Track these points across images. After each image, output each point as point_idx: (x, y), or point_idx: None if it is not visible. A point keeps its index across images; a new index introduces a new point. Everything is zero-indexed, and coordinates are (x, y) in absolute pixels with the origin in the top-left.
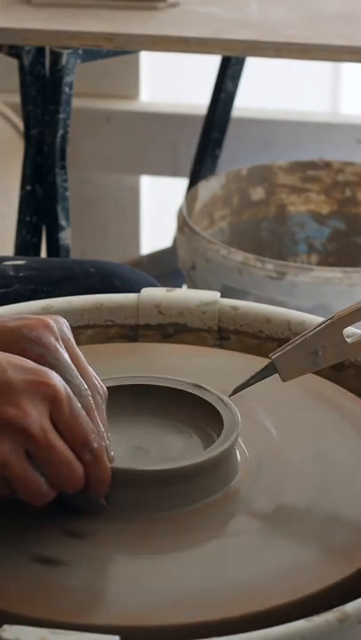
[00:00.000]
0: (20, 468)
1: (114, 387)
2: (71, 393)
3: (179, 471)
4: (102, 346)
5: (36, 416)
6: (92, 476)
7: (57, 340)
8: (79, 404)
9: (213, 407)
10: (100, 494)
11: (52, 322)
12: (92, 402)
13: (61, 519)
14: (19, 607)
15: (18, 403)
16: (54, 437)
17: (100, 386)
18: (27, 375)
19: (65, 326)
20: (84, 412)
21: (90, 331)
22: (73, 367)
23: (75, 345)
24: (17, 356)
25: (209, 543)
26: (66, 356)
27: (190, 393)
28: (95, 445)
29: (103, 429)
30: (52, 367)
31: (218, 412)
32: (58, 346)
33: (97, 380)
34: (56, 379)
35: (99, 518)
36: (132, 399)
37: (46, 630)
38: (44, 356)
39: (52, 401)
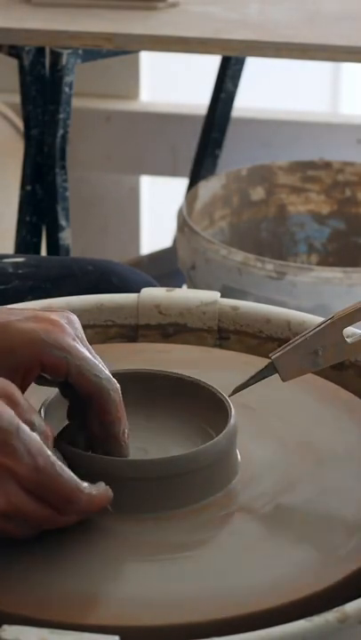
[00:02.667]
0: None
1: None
2: (31, 461)
3: (173, 461)
4: (102, 346)
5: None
6: (91, 511)
7: (74, 340)
8: (50, 469)
9: (213, 406)
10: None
11: (64, 323)
12: (120, 397)
13: None
14: (19, 607)
15: None
16: (28, 507)
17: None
18: None
19: (77, 324)
20: (55, 473)
21: (90, 331)
22: (97, 362)
23: (87, 343)
24: None
25: (209, 543)
26: (88, 353)
27: (190, 387)
28: (82, 497)
29: (126, 427)
30: (79, 368)
31: (217, 411)
32: (78, 346)
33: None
34: (15, 454)
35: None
36: (130, 393)
37: (46, 630)
38: (67, 360)
39: (17, 478)
